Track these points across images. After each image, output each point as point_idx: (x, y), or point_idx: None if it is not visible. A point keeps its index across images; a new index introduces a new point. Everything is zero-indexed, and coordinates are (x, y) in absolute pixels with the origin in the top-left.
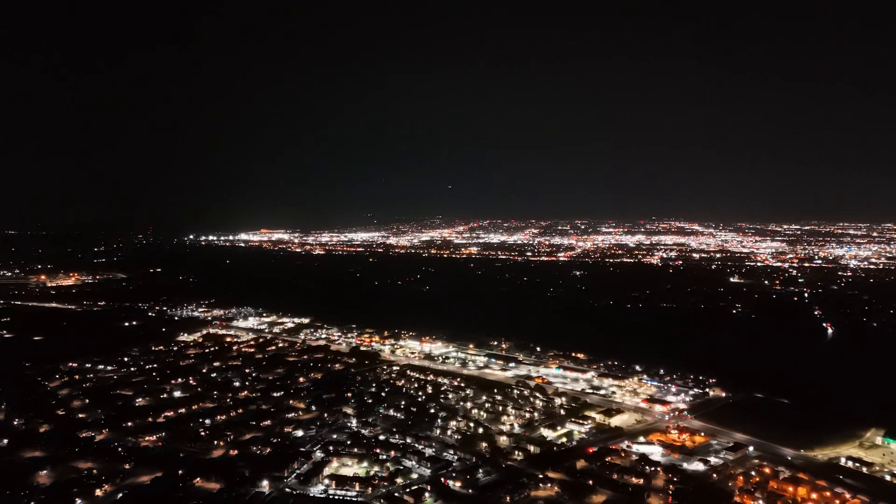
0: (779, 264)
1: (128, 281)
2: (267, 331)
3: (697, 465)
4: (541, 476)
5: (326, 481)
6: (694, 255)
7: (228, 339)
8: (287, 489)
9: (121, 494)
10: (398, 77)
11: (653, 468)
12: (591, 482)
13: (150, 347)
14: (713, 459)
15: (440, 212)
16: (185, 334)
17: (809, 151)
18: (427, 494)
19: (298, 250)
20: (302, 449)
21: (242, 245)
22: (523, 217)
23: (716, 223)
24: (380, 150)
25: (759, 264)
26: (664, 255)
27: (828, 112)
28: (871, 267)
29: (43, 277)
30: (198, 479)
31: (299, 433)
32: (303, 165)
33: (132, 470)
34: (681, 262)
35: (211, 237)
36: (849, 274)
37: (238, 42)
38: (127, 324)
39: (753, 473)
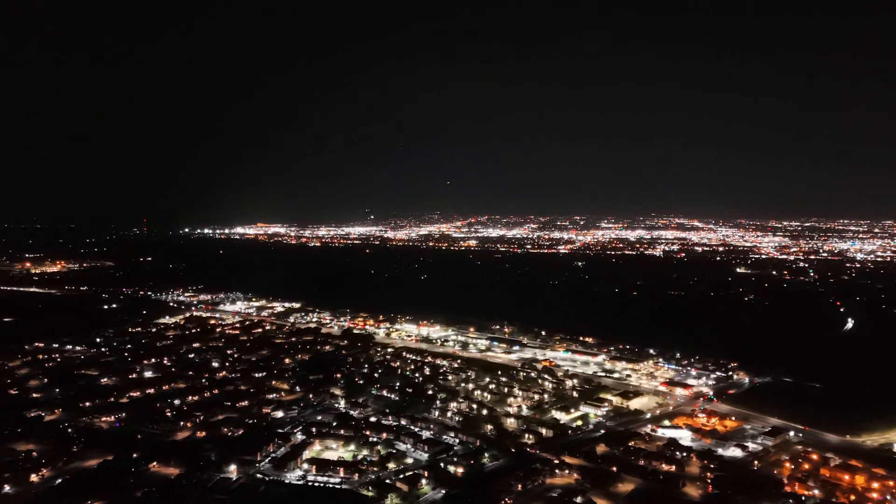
0: (784, 257)
1: (115, 268)
2: (254, 314)
3: (735, 451)
4: (556, 461)
5: (306, 466)
6: (696, 248)
7: (212, 322)
8: (259, 475)
9: (60, 480)
10: (397, 74)
11: (684, 454)
12: (615, 468)
13: (127, 329)
14: (751, 445)
15: (438, 208)
16: (167, 317)
17: (807, 148)
18: (424, 481)
19: (294, 243)
20: (280, 430)
21: (238, 238)
22: (522, 213)
23: (715, 220)
24: (378, 146)
25: (764, 257)
26: (666, 248)
27: (826, 108)
28: (878, 259)
29: (28, 265)
30: (154, 463)
31: (279, 414)
32: (301, 161)
33: (79, 453)
34: (684, 255)
35: (206, 230)
36: (857, 265)
37: (236, 37)
38: (106, 307)
39: (800, 460)
